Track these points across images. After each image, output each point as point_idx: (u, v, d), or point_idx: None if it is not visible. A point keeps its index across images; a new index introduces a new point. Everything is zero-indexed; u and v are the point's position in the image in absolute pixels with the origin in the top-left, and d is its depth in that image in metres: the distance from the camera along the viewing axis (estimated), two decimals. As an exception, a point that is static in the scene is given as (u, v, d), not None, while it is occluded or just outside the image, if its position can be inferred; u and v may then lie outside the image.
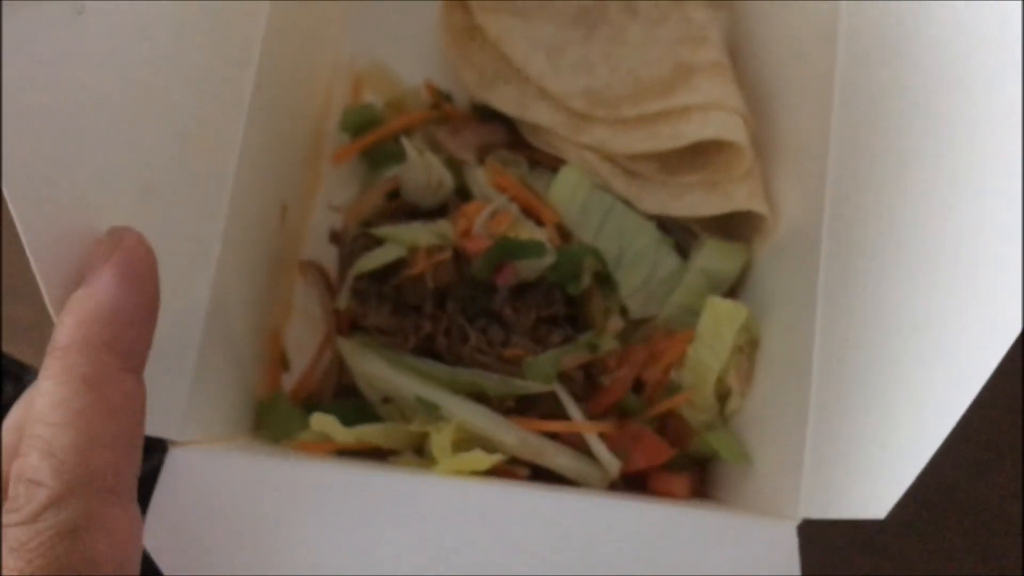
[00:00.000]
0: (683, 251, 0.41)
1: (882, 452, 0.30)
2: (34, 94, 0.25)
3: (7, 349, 0.44)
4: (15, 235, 0.24)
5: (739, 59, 0.44)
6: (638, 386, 0.39)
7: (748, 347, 0.39)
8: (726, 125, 0.39)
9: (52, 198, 0.26)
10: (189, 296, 0.33)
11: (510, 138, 0.44)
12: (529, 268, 0.38)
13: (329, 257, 0.43)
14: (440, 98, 0.45)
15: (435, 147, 0.43)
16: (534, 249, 0.38)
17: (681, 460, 0.38)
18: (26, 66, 0.24)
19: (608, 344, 0.38)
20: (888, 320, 0.31)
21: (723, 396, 0.39)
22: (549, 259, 0.38)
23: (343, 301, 0.39)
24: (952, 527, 0.45)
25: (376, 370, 0.37)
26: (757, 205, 0.39)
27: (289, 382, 0.42)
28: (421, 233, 0.39)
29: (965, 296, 0.28)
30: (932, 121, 0.32)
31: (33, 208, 0.25)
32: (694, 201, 0.40)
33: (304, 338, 0.42)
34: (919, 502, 0.42)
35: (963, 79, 0.31)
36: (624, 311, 0.40)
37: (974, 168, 0.29)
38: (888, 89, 0.34)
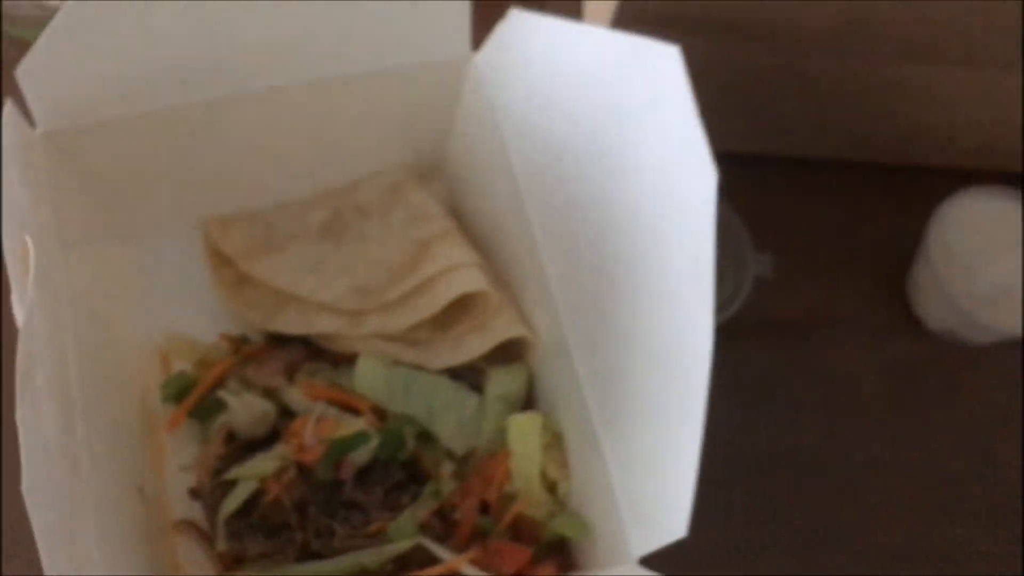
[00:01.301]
0: (478, 387, 0.49)
1: (664, 479, 0.39)
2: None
3: None
4: None
5: (462, 217, 0.54)
6: (484, 509, 0.47)
7: (555, 441, 0.48)
8: (467, 279, 0.49)
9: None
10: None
11: (309, 351, 0.52)
12: (361, 455, 0.45)
13: (196, 510, 0.49)
14: (238, 343, 0.51)
15: (249, 385, 0.49)
16: (360, 439, 0.45)
17: (542, 552, 0.46)
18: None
19: (448, 487, 0.46)
20: (630, 376, 0.40)
21: (552, 487, 0.47)
22: (375, 441, 0.46)
23: (221, 544, 0.45)
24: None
25: (270, 588, 0.43)
26: (516, 330, 0.48)
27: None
28: (265, 463, 0.45)
29: (669, 345, 0.38)
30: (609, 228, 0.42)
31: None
32: (470, 346, 0.49)
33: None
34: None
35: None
36: (451, 454, 0.48)
37: (652, 263, 0.39)
38: (573, 221, 0.44)
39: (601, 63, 0.41)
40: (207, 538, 0.48)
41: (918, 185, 0.58)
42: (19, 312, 0.38)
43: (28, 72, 0.42)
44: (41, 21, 0.47)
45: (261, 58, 0.46)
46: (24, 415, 0.34)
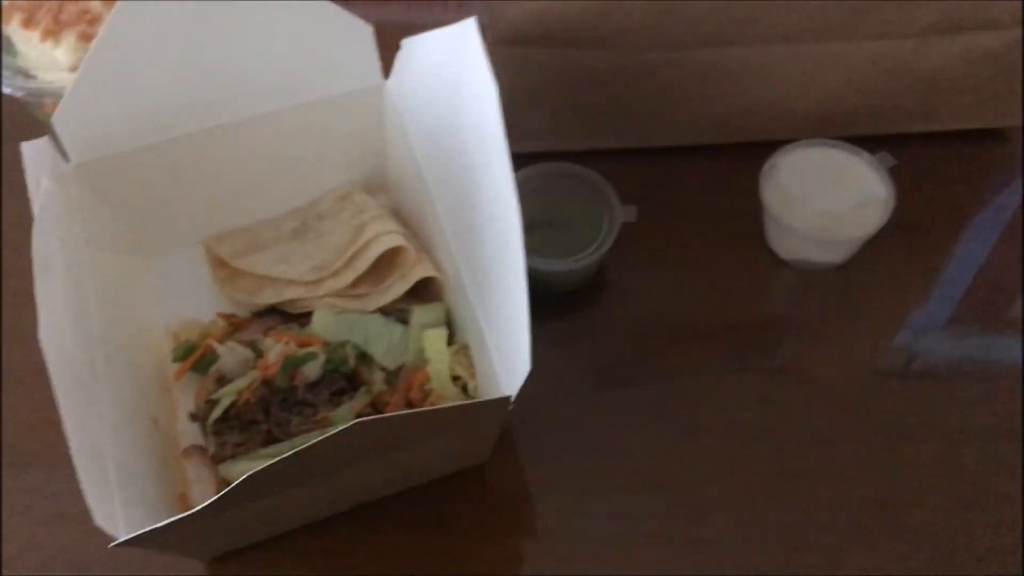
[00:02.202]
0: (406, 321, 0.64)
1: (515, 341, 0.52)
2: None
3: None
4: None
5: (399, 214, 0.70)
6: (411, 406, 0.60)
7: (463, 351, 0.61)
8: (389, 240, 0.64)
9: None
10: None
11: (283, 319, 0.67)
12: (312, 369, 0.60)
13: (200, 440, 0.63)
14: (230, 317, 0.67)
15: (237, 342, 0.65)
16: (310, 356, 0.60)
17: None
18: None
19: (378, 388, 0.60)
20: (495, 287, 0.55)
21: (464, 386, 0.61)
22: (322, 358, 0.60)
23: (211, 447, 0.59)
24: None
25: (244, 467, 0.57)
26: (427, 272, 0.64)
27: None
28: (240, 383, 0.60)
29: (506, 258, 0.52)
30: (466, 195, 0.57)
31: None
32: (395, 290, 0.64)
33: (207, 496, 0.61)
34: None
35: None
36: (384, 369, 0.62)
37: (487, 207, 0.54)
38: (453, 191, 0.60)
39: (442, 62, 0.58)
40: (210, 460, 0.62)
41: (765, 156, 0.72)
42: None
43: (61, 117, 0.60)
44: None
45: (228, 94, 0.64)
46: (48, 344, 0.47)
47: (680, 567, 0.58)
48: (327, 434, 0.43)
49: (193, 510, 0.44)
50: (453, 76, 0.57)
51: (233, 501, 0.45)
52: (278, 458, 0.42)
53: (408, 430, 0.48)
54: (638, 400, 0.64)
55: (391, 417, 0.43)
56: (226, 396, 0.60)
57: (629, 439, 0.63)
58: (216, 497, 0.43)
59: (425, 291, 0.66)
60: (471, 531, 0.59)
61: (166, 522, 0.45)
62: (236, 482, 0.42)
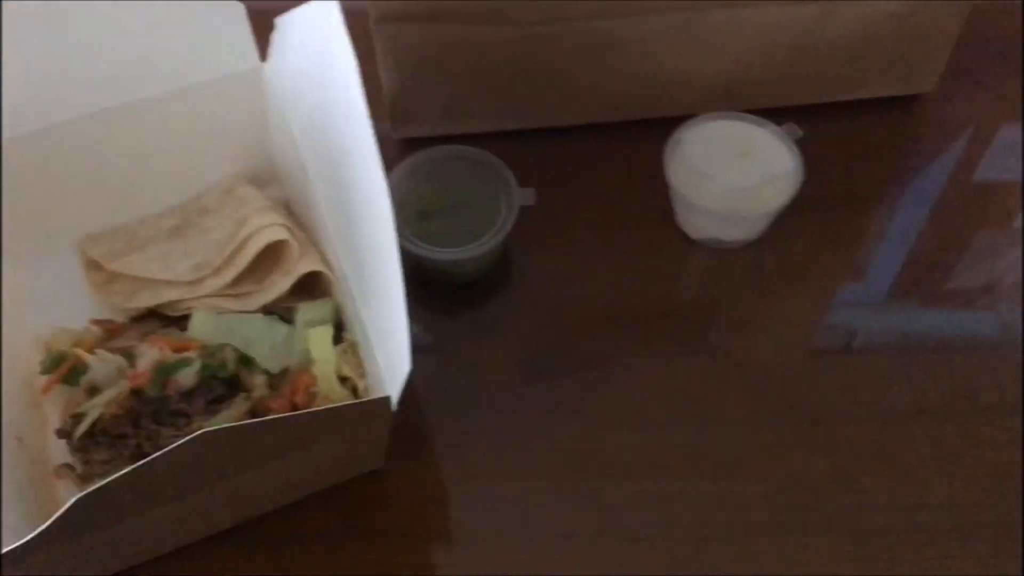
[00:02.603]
0: (290, 320, 0.59)
1: (395, 337, 0.48)
2: None
3: None
4: None
5: (291, 206, 0.66)
6: (295, 410, 0.56)
7: (351, 349, 0.57)
8: (271, 234, 0.60)
9: None
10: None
11: (162, 323, 0.62)
12: (187, 376, 0.55)
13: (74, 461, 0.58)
14: (106, 324, 0.62)
15: (110, 350, 0.60)
16: (183, 363, 0.55)
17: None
18: None
19: (260, 393, 0.55)
20: (372, 279, 0.50)
21: (354, 387, 0.56)
22: (197, 364, 0.56)
23: (78, 467, 0.55)
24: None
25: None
26: (312, 267, 0.59)
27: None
28: (108, 395, 0.55)
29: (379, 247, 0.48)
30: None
31: None
32: (278, 286, 0.60)
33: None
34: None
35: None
36: (267, 372, 0.57)
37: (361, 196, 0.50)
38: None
39: (309, 41, 0.54)
40: (82, 479, 0.57)
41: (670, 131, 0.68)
42: None
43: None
44: None
45: (98, 80, 0.59)
46: None
47: (603, 565, 0.54)
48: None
49: (24, 540, 0.39)
50: (321, 58, 0.53)
51: (71, 525, 0.40)
52: (110, 478, 0.37)
53: (272, 437, 0.44)
54: (557, 391, 0.61)
55: (241, 426, 0.39)
56: (92, 409, 0.55)
57: (550, 432, 0.59)
58: (47, 524, 0.38)
59: (315, 287, 0.62)
60: (380, 538, 0.55)
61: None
62: (67, 504, 0.38)
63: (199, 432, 0.37)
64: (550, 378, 0.62)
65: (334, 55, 0.51)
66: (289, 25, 0.58)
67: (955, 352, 0.62)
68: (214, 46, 0.60)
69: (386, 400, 0.47)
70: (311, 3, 0.53)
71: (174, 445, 0.37)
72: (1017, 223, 0.67)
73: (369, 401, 0.45)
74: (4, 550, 0.39)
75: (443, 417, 0.60)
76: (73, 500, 0.37)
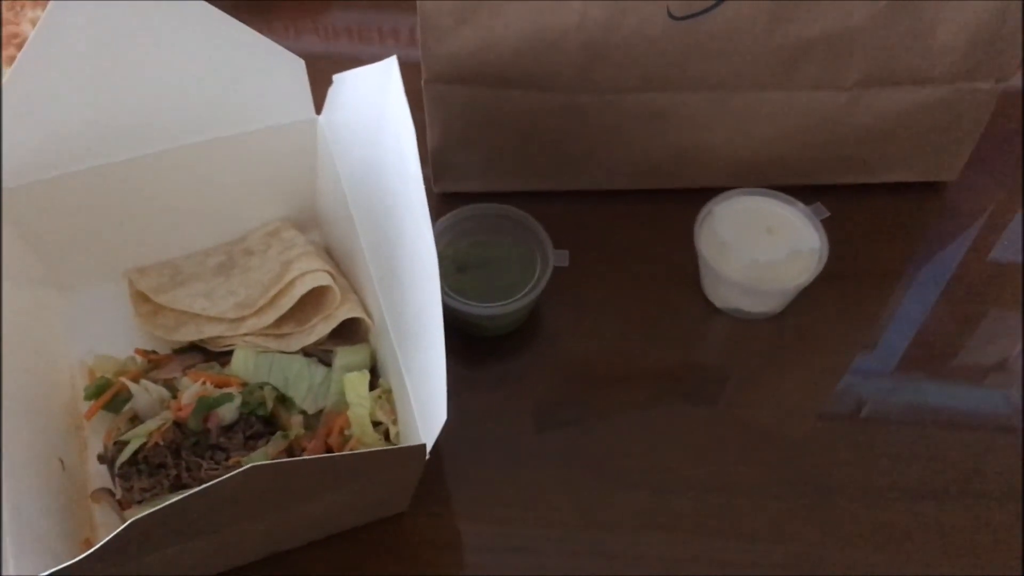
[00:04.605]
0: (329, 363, 0.62)
1: (433, 389, 0.50)
2: None
3: None
4: None
5: (330, 253, 0.69)
6: (330, 452, 0.58)
7: (385, 395, 0.59)
8: (315, 279, 0.62)
9: None
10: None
11: (204, 357, 0.65)
12: (228, 411, 0.58)
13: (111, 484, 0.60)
14: (149, 354, 0.65)
15: (154, 380, 0.62)
16: (225, 398, 0.58)
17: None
18: None
19: (296, 432, 0.58)
20: (415, 334, 0.53)
21: (386, 432, 0.59)
22: (238, 400, 0.58)
23: (118, 491, 0.57)
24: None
25: (149, 513, 0.54)
26: (352, 313, 0.62)
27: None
28: (151, 424, 0.58)
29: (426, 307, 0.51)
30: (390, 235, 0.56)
31: None
32: (318, 330, 0.62)
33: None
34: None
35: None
36: (304, 412, 0.60)
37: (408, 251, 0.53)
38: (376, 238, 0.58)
39: (366, 100, 0.57)
40: (120, 504, 0.59)
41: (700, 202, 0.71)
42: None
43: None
44: None
45: (155, 122, 0.62)
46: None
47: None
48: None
49: (69, 562, 0.41)
50: (376, 114, 0.56)
51: (120, 550, 0.42)
52: (165, 503, 0.39)
53: (314, 477, 0.46)
54: (570, 446, 0.63)
55: (291, 463, 0.41)
56: (135, 438, 0.57)
57: (560, 486, 0.61)
58: (98, 545, 0.41)
59: (352, 333, 0.64)
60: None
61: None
62: (120, 528, 0.40)
63: (250, 465, 0.39)
64: (566, 431, 0.64)
65: (390, 113, 0.54)
66: (347, 81, 0.61)
67: (963, 429, 0.64)
68: (273, 97, 0.63)
69: (421, 448, 0.49)
70: (373, 64, 0.56)
71: (228, 475, 0.39)
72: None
73: (407, 448, 0.47)
74: (52, 570, 0.41)
75: (461, 463, 0.62)
76: (130, 522, 0.39)
